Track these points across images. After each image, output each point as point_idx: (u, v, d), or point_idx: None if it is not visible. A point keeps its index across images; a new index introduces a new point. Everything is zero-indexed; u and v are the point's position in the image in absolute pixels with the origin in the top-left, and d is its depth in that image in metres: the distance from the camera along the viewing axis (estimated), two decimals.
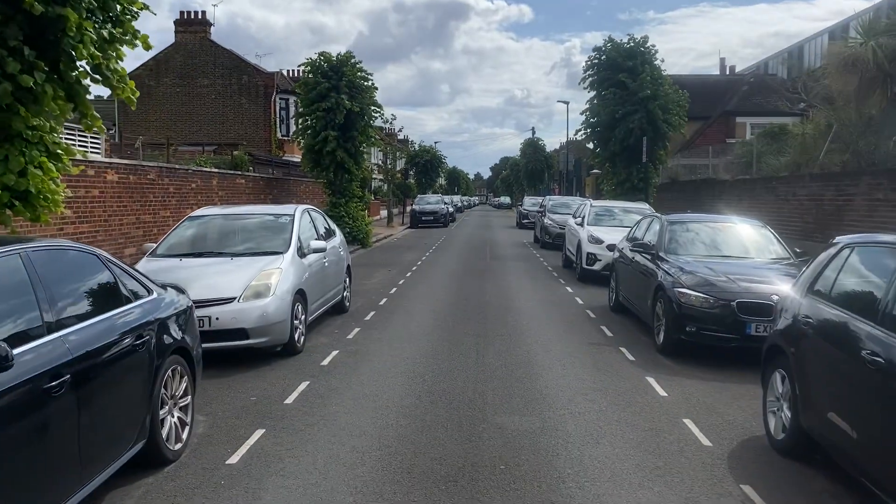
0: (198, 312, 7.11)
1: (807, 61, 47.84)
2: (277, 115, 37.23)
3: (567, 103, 46.81)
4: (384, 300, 11.93)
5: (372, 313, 10.65)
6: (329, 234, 10.44)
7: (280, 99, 37.61)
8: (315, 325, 9.47)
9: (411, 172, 49.39)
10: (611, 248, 14.02)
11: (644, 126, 21.80)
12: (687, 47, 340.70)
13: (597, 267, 14.33)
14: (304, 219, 9.31)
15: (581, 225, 15.67)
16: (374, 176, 51.83)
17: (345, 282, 10.72)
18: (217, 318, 7.24)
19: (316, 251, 8.87)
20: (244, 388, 6.67)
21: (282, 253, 8.28)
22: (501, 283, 14.31)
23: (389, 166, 42.62)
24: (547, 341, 8.74)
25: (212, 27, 37.50)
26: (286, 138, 36.43)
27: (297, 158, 30.89)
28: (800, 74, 21.80)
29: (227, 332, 7.29)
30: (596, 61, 22.98)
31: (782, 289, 7.64)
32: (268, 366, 7.48)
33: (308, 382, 6.83)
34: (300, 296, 8.21)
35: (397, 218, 43.23)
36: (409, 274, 15.87)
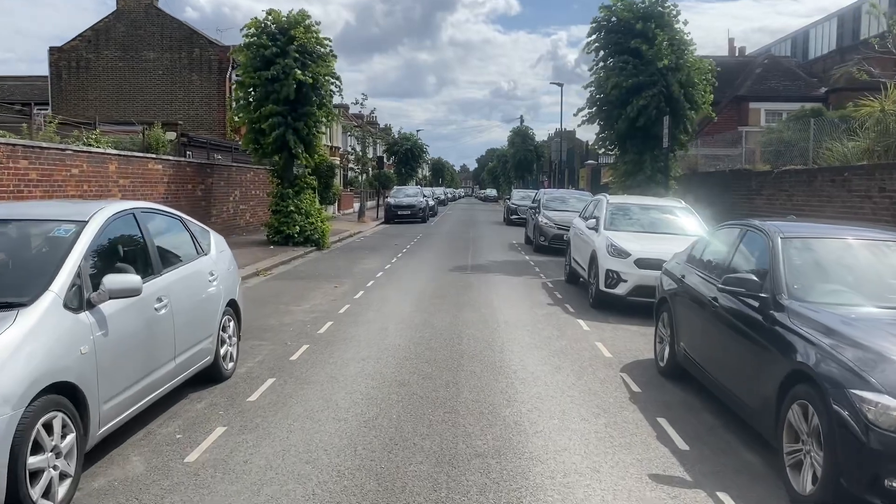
0: None
1: (813, 47, 44.42)
2: (233, 94, 32.58)
3: (561, 85, 42.49)
4: (302, 349, 7.63)
5: (268, 383, 6.35)
6: (189, 252, 6.11)
7: (237, 76, 32.91)
8: (151, 416, 5.18)
9: (387, 161, 44.94)
10: (642, 264, 9.88)
11: (661, 104, 17.54)
12: None
13: (620, 290, 10.12)
14: (113, 231, 4.95)
15: (595, 229, 11.43)
16: (350, 166, 47.41)
17: (223, 330, 6.42)
18: None
19: (123, 293, 4.51)
20: None
21: (23, 305, 3.95)
22: (486, 312, 10.04)
23: (361, 153, 38.16)
24: (572, 475, 4.48)
25: None
26: None
27: None
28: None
29: None
30: (604, 23, 18.64)
31: None
32: None
33: None
34: (67, 397, 3.91)
35: (372, 212, 38.83)
36: (359, 294, 11.57)
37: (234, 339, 6.76)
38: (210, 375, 6.27)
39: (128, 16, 32.69)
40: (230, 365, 6.58)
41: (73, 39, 33.14)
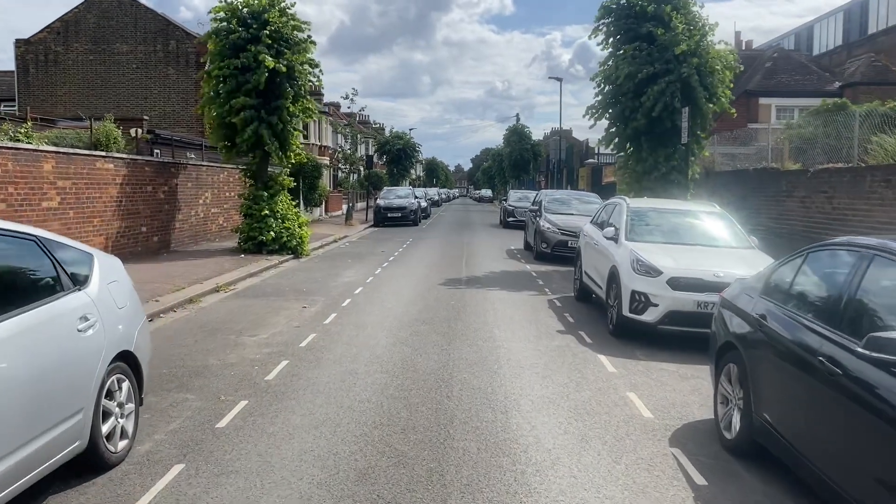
0: None
1: (818, 43, 42.90)
2: (201, 86, 30.54)
3: (560, 80, 40.58)
4: (237, 409, 5.66)
5: (171, 473, 4.38)
6: (45, 289, 4.15)
7: (209, 64, 30.88)
8: None
9: (378, 161, 42.94)
10: (676, 284, 7.98)
11: (675, 92, 15.60)
12: None
13: (649, 317, 8.17)
14: None
15: (615, 239, 9.48)
16: (339, 165, 45.41)
17: (108, 397, 4.46)
18: None
19: None
20: None
21: None
22: (484, 346, 8.08)
23: (350, 151, 36.19)
24: None
25: None
26: None
27: None
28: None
29: None
30: (612, 5, 16.73)
31: None
32: None
33: None
34: None
35: (361, 214, 36.85)
36: (331, 317, 9.61)
37: (131, 406, 4.79)
38: (87, 464, 4.32)
39: (99, 6, 30.66)
40: (121, 444, 4.62)
41: (41, 31, 31.08)
